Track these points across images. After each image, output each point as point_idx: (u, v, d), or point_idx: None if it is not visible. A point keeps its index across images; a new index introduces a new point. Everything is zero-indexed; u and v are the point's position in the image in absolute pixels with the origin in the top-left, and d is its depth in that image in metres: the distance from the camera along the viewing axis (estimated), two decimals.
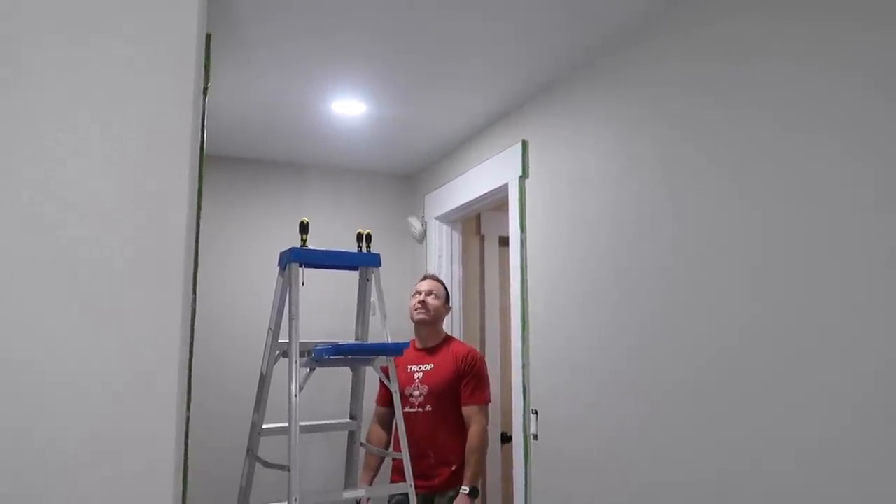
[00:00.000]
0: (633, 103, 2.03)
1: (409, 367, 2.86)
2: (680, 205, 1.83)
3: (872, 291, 1.32)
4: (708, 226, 1.73)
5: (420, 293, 2.90)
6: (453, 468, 2.74)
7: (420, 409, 2.78)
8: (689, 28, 1.82)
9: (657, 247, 1.90)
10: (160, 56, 1.42)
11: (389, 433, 2.99)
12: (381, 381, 2.95)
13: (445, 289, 2.99)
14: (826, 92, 1.43)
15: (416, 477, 2.64)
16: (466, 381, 2.77)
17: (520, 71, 2.36)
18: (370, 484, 2.84)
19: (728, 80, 1.69)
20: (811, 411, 1.43)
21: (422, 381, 2.81)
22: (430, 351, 2.89)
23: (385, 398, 2.97)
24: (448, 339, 2.96)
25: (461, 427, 2.77)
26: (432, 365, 2.84)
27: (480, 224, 3.82)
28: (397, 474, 2.84)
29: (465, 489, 2.65)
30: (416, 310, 2.88)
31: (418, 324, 2.91)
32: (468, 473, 2.69)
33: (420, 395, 2.79)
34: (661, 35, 1.92)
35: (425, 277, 3.02)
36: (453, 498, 2.69)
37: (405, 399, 2.79)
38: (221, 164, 3.38)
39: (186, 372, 1.39)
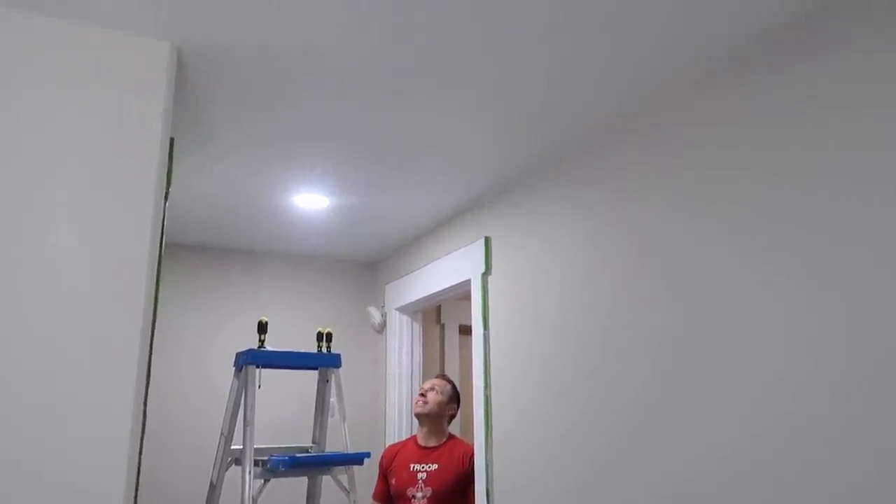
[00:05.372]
0: (600, 201, 2.04)
1: (412, 465, 2.78)
2: (651, 305, 1.81)
3: (867, 398, 1.31)
4: (679, 324, 1.70)
5: (423, 388, 2.89)
6: None
7: None
8: (659, 133, 1.86)
9: (627, 347, 1.87)
10: (124, 170, 1.49)
11: None
12: (379, 476, 2.89)
13: (454, 389, 2.93)
14: (788, 208, 1.47)
15: None
16: (475, 485, 2.67)
17: (484, 168, 2.37)
18: None
19: (693, 189, 1.71)
20: None
21: (425, 483, 2.72)
22: (434, 450, 2.81)
23: (382, 494, 2.87)
24: (451, 438, 2.88)
25: None
26: (436, 465, 2.75)
27: (441, 313, 3.78)
28: None
29: None
30: (416, 403, 2.86)
31: (418, 417, 2.86)
32: None
33: (423, 497, 2.69)
34: (630, 137, 1.95)
35: (436, 376, 3.02)
36: None
37: (407, 500, 2.71)
38: (180, 252, 3.29)
39: (136, 469, 1.36)
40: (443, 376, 3.02)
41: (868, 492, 1.25)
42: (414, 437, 2.92)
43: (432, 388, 2.86)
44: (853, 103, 1.36)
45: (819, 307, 1.38)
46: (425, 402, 2.82)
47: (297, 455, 2.16)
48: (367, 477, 3.00)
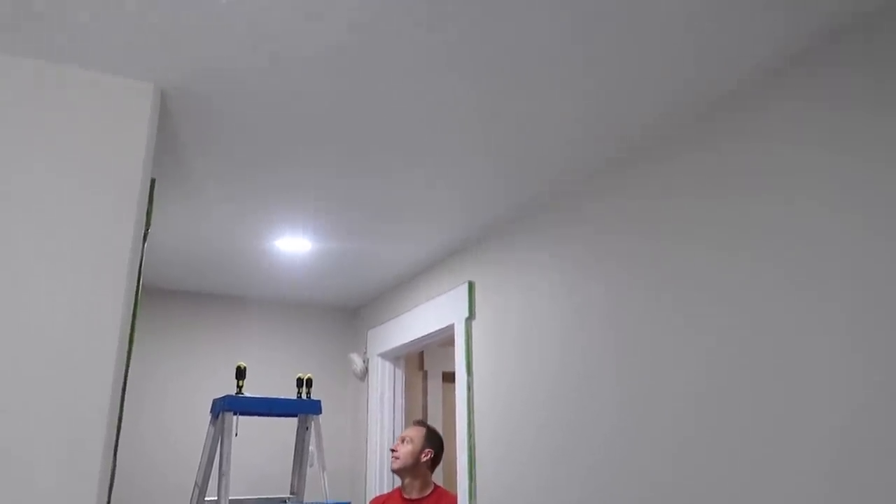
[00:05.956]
0: (579, 251, 2.06)
1: None
2: (628, 354, 1.82)
3: (813, 440, 1.29)
4: (655, 374, 1.72)
5: (394, 444, 2.79)
6: None
7: None
8: (626, 192, 1.88)
9: (606, 392, 1.87)
10: (102, 208, 1.47)
11: None
12: None
13: (429, 431, 2.82)
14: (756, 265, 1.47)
15: None
16: None
17: (465, 215, 2.38)
18: None
19: (661, 248, 1.73)
20: None
21: None
22: (418, 502, 2.71)
23: None
24: (437, 489, 2.77)
25: None
26: None
27: (423, 360, 3.74)
28: None
29: None
30: (390, 459, 2.77)
31: (395, 473, 2.77)
32: None
33: None
34: (600, 194, 1.99)
35: (412, 423, 2.92)
36: None
37: None
38: (160, 296, 3.24)
39: None
40: (416, 422, 2.92)
41: None
42: (399, 489, 2.83)
43: (403, 440, 2.77)
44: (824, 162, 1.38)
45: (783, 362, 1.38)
46: (396, 458, 2.74)
47: None
48: None
